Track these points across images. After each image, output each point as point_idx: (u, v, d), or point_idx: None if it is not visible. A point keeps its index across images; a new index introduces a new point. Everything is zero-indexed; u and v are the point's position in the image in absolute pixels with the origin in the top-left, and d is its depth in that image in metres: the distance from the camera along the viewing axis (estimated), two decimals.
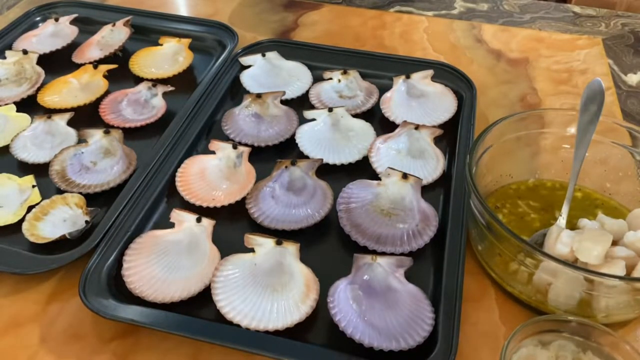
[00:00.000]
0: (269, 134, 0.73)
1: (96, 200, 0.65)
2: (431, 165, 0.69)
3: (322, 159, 0.68)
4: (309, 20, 0.99)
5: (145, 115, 0.77)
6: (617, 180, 0.63)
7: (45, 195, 0.65)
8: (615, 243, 0.54)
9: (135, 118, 0.77)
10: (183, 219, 0.60)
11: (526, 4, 1.05)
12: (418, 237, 0.60)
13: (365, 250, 0.59)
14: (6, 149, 0.72)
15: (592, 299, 0.51)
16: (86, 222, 0.62)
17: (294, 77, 0.83)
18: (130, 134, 0.74)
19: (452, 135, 0.73)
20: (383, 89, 0.79)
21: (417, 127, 0.71)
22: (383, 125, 0.75)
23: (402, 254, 0.58)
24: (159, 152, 0.70)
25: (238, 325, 0.53)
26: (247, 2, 1.04)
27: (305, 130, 0.73)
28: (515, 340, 0.47)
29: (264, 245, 0.57)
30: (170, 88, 0.79)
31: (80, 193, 0.65)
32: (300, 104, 0.79)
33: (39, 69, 0.83)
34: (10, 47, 0.89)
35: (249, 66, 0.84)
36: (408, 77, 0.78)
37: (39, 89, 0.81)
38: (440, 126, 0.73)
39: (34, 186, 0.66)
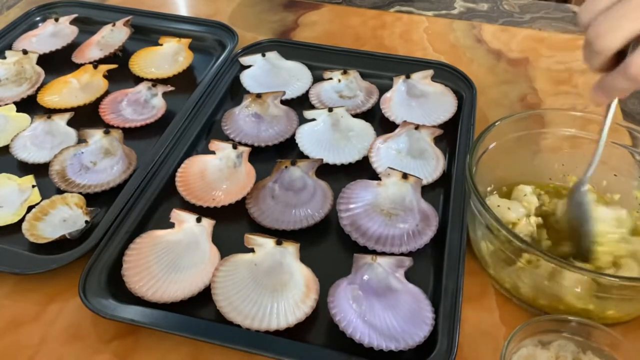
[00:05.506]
0: (269, 134, 0.73)
1: (96, 200, 0.65)
2: (431, 165, 0.69)
3: (322, 159, 0.68)
4: (309, 20, 0.99)
5: (145, 115, 0.77)
6: (617, 181, 0.63)
7: (45, 195, 0.65)
8: None
9: (135, 118, 0.77)
10: (183, 219, 0.60)
11: (526, 4, 1.05)
12: (418, 237, 0.60)
13: (365, 250, 0.59)
14: (6, 149, 0.72)
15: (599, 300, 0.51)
16: (86, 222, 0.62)
17: (294, 77, 0.83)
18: (130, 134, 0.74)
19: (452, 135, 0.73)
20: (383, 89, 0.79)
21: (417, 127, 0.71)
22: (383, 125, 0.75)
23: (402, 254, 0.58)
24: (159, 152, 0.70)
25: (238, 325, 0.53)
26: (247, 2, 1.04)
27: (305, 130, 0.73)
28: (515, 340, 0.47)
29: (264, 245, 0.57)
30: (170, 88, 0.79)
31: (80, 193, 0.65)
32: (300, 104, 0.79)
33: (39, 69, 0.83)
34: (10, 47, 0.89)
35: (249, 66, 0.84)
36: (408, 77, 0.78)
37: (39, 89, 0.81)
38: (440, 126, 0.73)
39: (33, 186, 0.66)
